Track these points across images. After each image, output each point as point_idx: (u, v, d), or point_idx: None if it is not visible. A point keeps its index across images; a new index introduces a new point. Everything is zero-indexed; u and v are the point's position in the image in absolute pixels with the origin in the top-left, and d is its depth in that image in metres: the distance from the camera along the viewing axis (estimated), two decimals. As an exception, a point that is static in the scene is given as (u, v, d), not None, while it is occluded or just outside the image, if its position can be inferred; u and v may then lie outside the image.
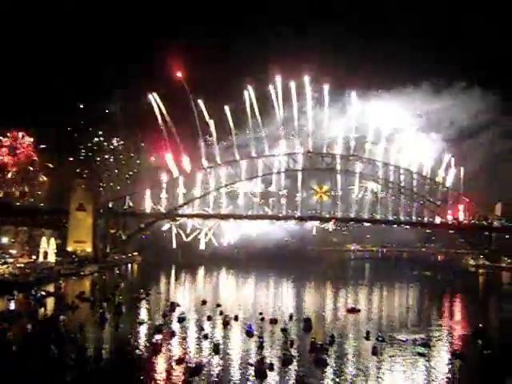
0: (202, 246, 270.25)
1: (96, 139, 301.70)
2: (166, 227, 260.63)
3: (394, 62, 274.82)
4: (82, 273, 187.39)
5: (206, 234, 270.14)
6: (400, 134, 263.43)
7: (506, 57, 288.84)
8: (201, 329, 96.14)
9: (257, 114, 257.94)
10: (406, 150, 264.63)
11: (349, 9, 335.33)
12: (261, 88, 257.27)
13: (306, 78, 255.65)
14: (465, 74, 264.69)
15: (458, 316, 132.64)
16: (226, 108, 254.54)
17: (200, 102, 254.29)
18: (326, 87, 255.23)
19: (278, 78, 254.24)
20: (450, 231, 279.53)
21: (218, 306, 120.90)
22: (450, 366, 77.96)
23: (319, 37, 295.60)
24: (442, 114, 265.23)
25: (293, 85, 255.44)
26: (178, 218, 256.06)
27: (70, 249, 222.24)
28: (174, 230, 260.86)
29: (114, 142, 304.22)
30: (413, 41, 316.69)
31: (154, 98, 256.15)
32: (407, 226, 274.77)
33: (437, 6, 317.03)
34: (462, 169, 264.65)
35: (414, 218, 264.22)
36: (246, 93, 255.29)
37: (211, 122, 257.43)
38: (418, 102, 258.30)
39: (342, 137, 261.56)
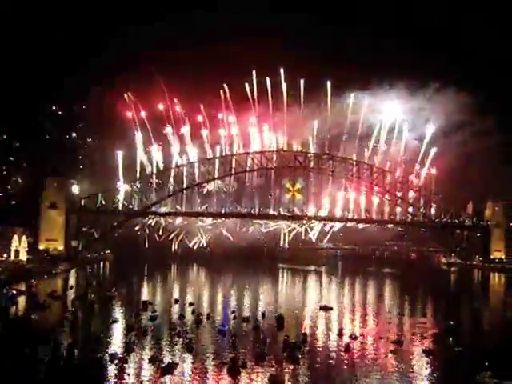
0: (175, 245, 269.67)
1: (68, 136, 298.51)
2: (138, 226, 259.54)
3: (370, 61, 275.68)
4: (54, 271, 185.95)
5: (179, 233, 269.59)
6: (374, 132, 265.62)
7: (481, 58, 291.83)
8: (173, 327, 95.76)
9: (232, 111, 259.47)
10: (380, 148, 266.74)
11: (323, 6, 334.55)
12: (237, 86, 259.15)
13: (281, 72, 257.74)
14: (439, 74, 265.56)
15: (429, 314, 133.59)
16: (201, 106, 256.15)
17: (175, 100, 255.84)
18: (302, 82, 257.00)
19: (253, 75, 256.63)
20: (422, 229, 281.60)
21: (191, 304, 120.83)
22: (421, 363, 78.62)
23: (294, 36, 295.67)
24: (417, 113, 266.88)
25: (268, 82, 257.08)
26: (150, 216, 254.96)
27: (41, 247, 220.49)
28: (147, 229, 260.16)
29: (89, 139, 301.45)
30: (387, 41, 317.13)
31: (128, 96, 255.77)
32: (379, 225, 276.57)
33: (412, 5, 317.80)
34: (434, 168, 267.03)
35: (386, 216, 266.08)
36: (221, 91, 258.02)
37: (186, 120, 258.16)
38: (393, 101, 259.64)
39: (316, 135, 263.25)
